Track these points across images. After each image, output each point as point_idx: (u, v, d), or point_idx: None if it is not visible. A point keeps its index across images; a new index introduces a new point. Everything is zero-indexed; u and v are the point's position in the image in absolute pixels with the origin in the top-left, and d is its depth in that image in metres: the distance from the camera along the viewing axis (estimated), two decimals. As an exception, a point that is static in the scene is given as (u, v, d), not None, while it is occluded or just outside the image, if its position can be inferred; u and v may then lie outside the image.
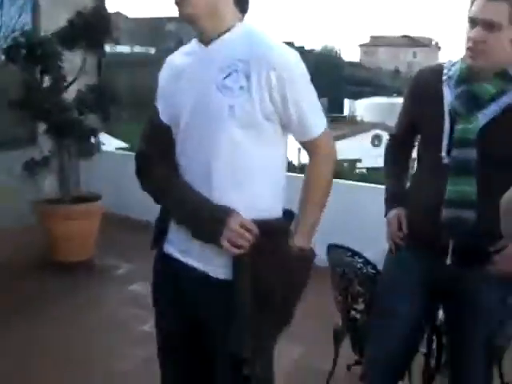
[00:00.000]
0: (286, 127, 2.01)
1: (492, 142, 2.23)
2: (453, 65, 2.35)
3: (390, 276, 2.53)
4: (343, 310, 3.11)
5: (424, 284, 2.40)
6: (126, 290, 5.06)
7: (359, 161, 20.14)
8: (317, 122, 2.04)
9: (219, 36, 1.98)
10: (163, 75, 2.15)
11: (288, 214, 2.09)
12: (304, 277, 2.10)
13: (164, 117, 2.10)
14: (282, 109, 1.94)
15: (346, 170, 12.68)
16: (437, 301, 2.51)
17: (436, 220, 2.29)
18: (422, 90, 2.41)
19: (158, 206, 2.17)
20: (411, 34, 59.72)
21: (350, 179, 6.41)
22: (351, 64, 51.43)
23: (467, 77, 2.27)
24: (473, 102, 2.24)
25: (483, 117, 2.24)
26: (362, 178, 9.18)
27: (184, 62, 2.07)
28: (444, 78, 2.34)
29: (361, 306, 2.98)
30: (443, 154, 2.29)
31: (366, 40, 62.27)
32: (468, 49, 2.21)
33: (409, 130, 2.54)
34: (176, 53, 2.16)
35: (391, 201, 2.55)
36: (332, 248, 3.08)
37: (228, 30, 1.98)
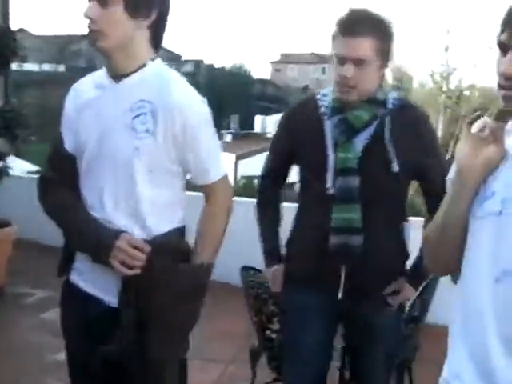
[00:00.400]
0: (185, 170, 2.06)
1: (369, 168, 2.28)
2: (324, 95, 2.37)
3: (291, 312, 2.53)
4: (259, 329, 3.16)
5: (322, 310, 2.43)
6: (38, 317, 4.94)
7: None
8: (215, 167, 2.09)
9: (130, 73, 1.99)
10: (69, 104, 2.13)
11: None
12: (197, 294, 2.11)
13: (68, 146, 2.09)
14: (183, 153, 1.99)
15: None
16: (337, 321, 2.53)
17: (325, 249, 2.30)
18: (301, 123, 2.40)
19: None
20: (320, 51, 61.16)
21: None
22: (262, 81, 52.00)
23: (341, 106, 2.29)
24: (349, 130, 2.28)
25: (359, 144, 2.29)
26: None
27: (92, 95, 2.05)
28: (322, 109, 2.35)
29: (276, 326, 3.04)
30: (328, 184, 2.30)
31: (277, 57, 63.19)
32: (339, 84, 2.23)
33: (285, 165, 2.54)
34: (84, 81, 2.14)
35: (269, 258, 2.58)
36: (245, 269, 3.13)
37: (140, 68, 1.99)
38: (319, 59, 61.65)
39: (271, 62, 62.73)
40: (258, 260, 2.65)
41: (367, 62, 2.18)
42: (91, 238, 1.99)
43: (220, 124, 35.82)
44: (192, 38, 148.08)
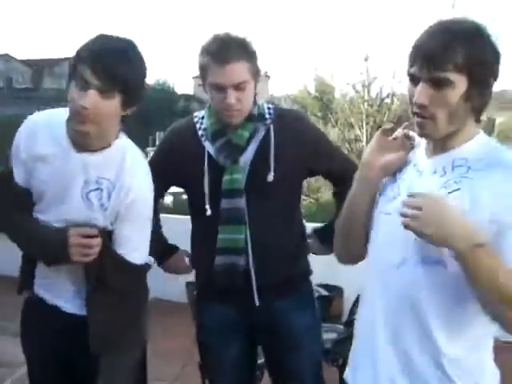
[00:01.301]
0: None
1: (255, 183, 2.32)
2: (202, 117, 2.40)
3: (207, 328, 2.55)
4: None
5: (239, 322, 2.44)
6: None
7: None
8: (137, 256, 2.12)
9: (95, 151, 2.04)
10: (23, 144, 2.10)
11: None
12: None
13: (21, 181, 2.10)
14: (118, 231, 2.07)
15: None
16: (254, 336, 2.53)
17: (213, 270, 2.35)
18: (180, 147, 2.40)
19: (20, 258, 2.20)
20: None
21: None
22: (185, 97, 51.83)
23: (221, 128, 2.33)
24: (235, 150, 2.31)
25: (246, 162, 2.33)
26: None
27: (49, 151, 2.06)
28: (200, 132, 2.37)
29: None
30: (207, 206, 2.33)
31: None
32: (224, 111, 2.26)
33: (161, 189, 2.48)
34: (40, 124, 2.11)
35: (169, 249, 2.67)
36: (190, 285, 3.18)
37: (105, 147, 2.06)
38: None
39: (194, 77, 62.69)
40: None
41: (245, 85, 2.22)
42: (47, 242, 2.01)
43: (145, 141, 35.49)
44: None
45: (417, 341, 1.60)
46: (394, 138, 1.72)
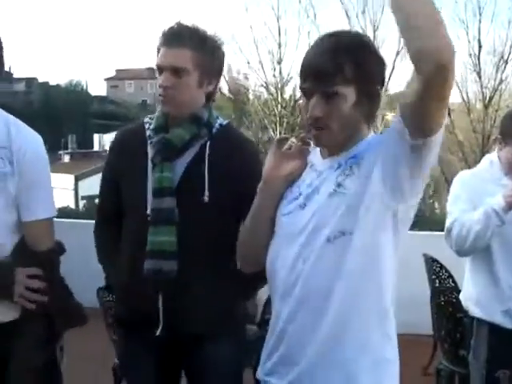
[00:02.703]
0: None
1: (187, 191, 2.21)
2: (152, 118, 2.33)
3: (123, 360, 2.54)
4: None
5: (152, 351, 2.29)
6: None
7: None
8: (42, 207, 2.16)
9: None
10: None
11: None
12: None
13: None
14: (22, 191, 2.09)
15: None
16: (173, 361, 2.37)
17: (141, 276, 2.21)
18: (126, 149, 2.35)
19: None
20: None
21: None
22: (98, 98, 51.08)
23: (163, 125, 2.26)
24: (167, 149, 2.22)
25: (179, 165, 2.23)
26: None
27: None
28: (147, 132, 2.30)
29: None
30: (148, 205, 2.22)
31: (112, 73, 62.37)
32: (160, 95, 2.22)
33: (114, 206, 2.37)
34: None
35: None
36: (101, 290, 3.16)
37: None
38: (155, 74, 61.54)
39: (106, 79, 61.83)
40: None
41: (183, 72, 2.16)
42: None
43: (57, 144, 34.72)
44: (24, 55, 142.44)
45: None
46: (289, 148, 1.79)
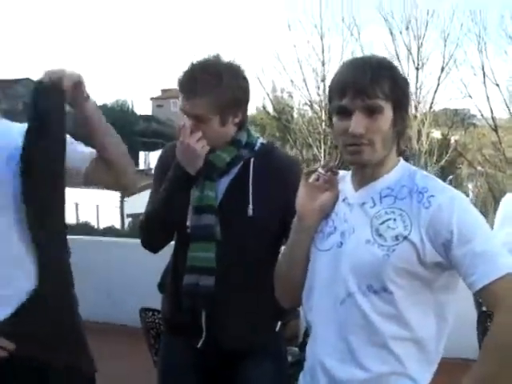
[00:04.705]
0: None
1: (230, 208, 2.25)
2: None
3: (165, 362, 2.48)
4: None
5: (192, 363, 2.33)
6: None
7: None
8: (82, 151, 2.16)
9: None
10: None
11: None
12: None
13: None
14: None
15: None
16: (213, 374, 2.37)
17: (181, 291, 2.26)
18: (167, 165, 2.36)
19: None
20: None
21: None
22: (144, 117, 51.73)
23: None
24: (210, 170, 2.26)
25: (223, 184, 2.27)
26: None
27: None
28: None
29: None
30: (188, 222, 2.27)
31: (158, 93, 63.25)
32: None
33: None
34: None
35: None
36: (143, 311, 3.16)
37: None
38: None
39: (152, 98, 62.66)
40: (156, 301, 2.68)
41: (204, 118, 2.19)
42: None
43: (104, 162, 35.25)
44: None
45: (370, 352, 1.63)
46: (317, 179, 1.77)
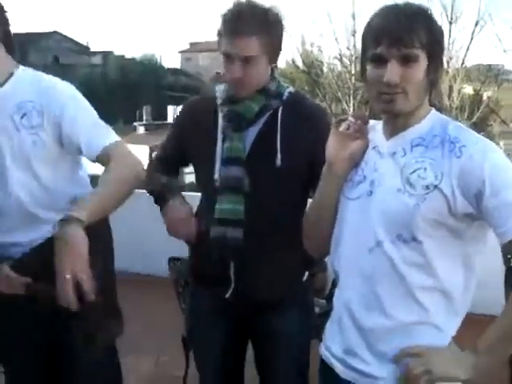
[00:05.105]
0: (78, 152, 2.17)
1: (258, 159, 2.23)
2: (217, 87, 2.34)
3: (192, 310, 2.53)
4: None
5: (219, 312, 2.34)
6: None
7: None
8: (102, 136, 2.14)
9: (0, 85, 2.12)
10: None
11: None
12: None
13: None
14: (69, 137, 2.12)
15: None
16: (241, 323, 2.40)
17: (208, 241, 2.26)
18: (193, 119, 2.37)
19: None
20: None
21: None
22: (172, 71, 51.55)
23: (232, 96, 2.26)
24: (238, 120, 2.24)
25: (251, 134, 2.24)
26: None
27: None
28: (218, 101, 2.30)
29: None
30: (216, 175, 2.25)
31: (186, 46, 62.82)
32: (232, 81, 2.20)
33: (175, 158, 2.49)
34: None
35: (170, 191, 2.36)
36: (172, 260, 3.20)
37: (8, 78, 2.13)
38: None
39: (180, 52, 62.34)
40: (183, 250, 2.70)
41: (254, 60, 2.16)
42: None
43: (132, 115, 35.29)
44: (100, 28, 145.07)
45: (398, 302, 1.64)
46: (348, 128, 1.75)
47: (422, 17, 1.61)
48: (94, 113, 2.21)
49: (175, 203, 2.30)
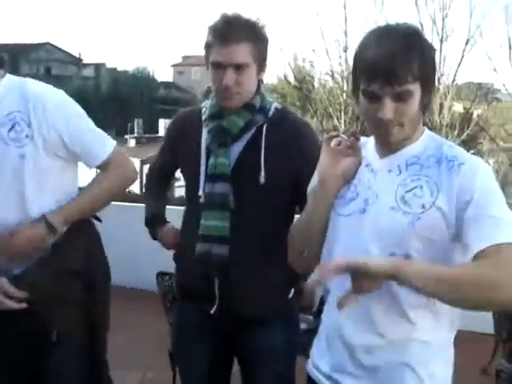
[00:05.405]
0: (76, 159, 2.18)
1: (243, 176, 2.21)
2: (204, 102, 2.36)
3: (178, 325, 2.53)
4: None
5: (204, 328, 2.33)
6: None
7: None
8: (101, 145, 2.19)
9: None
10: None
11: None
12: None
13: None
14: (65, 145, 2.11)
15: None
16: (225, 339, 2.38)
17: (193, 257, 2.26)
18: (181, 132, 2.39)
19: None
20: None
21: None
22: (165, 84, 51.67)
23: (218, 112, 2.25)
24: (224, 136, 2.23)
25: (235, 150, 2.23)
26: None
27: None
28: (203, 117, 2.30)
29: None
30: (200, 191, 2.25)
31: (179, 60, 63.03)
32: (222, 92, 2.18)
33: (165, 170, 2.57)
34: None
35: (159, 220, 2.53)
36: (160, 275, 3.20)
37: None
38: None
39: (173, 65, 62.49)
40: (171, 264, 2.69)
41: (245, 67, 2.16)
42: None
43: (123, 128, 35.30)
44: (93, 40, 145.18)
45: (388, 321, 1.63)
46: (339, 144, 1.74)
47: (416, 43, 1.57)
48: (88, 118, 2.21)
49: (164, 230, 2.47)
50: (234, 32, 2.13)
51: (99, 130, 2.22)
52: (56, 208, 2.13)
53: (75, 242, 2.17)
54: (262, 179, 2.18)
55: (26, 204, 2.09)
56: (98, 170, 2.25)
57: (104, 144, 2.20)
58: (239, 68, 2.14)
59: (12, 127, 2.04)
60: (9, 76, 2.13)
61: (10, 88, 2.09)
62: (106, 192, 2.23)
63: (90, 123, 2.20)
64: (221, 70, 2.15)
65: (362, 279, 1.44)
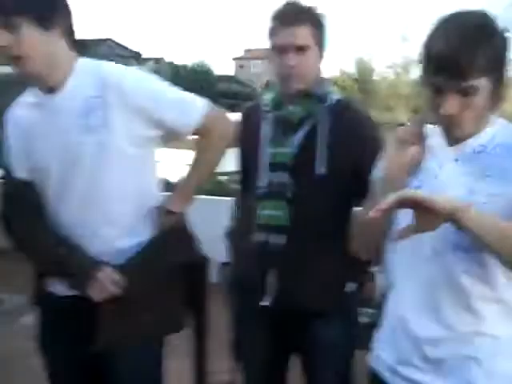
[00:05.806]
0: (170, 134, 2.11)
1: (302, 166, 2.22)
2: (265, 94, 2.40)
3: (235, 318, 2.56)
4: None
5: (263, 323, 2.37)
6: (16, 322, 4.86)
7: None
8: (192, 109, 2.12)
9: (62, 82, 2.00)
10: (10, 133, 2.10)
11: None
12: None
13: (23, 173, 2.07)
14: (151, 122, 2.03)
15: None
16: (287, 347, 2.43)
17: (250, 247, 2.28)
18: (245, 125, 2.43)
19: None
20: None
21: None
22: (225, 78, 51.75)
23: (278, 102, 2.30)
24: (284, 126, 2.26)
25: (296, 140, 2.25)
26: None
27: (31, 116, 2.04)
28: (263, 108, 2.36)
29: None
30: (259, 180, 2.28)
31: (240, 53, 63.06)
32: (283, 75, 2.23)
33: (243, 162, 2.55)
34: (17, 106, 2.10)
35: None
36: (224, 266, 3.23)
37: (68, 73, 2.00)
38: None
39: (234, 59, 62.56)
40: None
41: (308, 49, 2.20)
42: (70, 269, 2.00)
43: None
44: (152, 35, 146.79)
45: (455, 312, 1.63)
46: (404, 134, 1.70)
47: (486, 35, 1.52)
48: (170, 87, 2.12)
49: None
50: (295, 15, 2.18)
51: (185, 96, 2.14)
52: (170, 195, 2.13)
53: (177, 245, 2.16)
54: (322, 169, 2.19)
55: (106, 198, 2.03)
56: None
57: (191, 110, 2.12)
58: (302, 49, 2.18)
59: (87, 114, 1.96)
60: (82, 59, 2.06)
61: (85, 72, 2.01)
62: (210, 161, 2.20)
63: (172, 92, 2.12)
64: (283, 54, 2.18)
65: (426, 215, 1.44)
